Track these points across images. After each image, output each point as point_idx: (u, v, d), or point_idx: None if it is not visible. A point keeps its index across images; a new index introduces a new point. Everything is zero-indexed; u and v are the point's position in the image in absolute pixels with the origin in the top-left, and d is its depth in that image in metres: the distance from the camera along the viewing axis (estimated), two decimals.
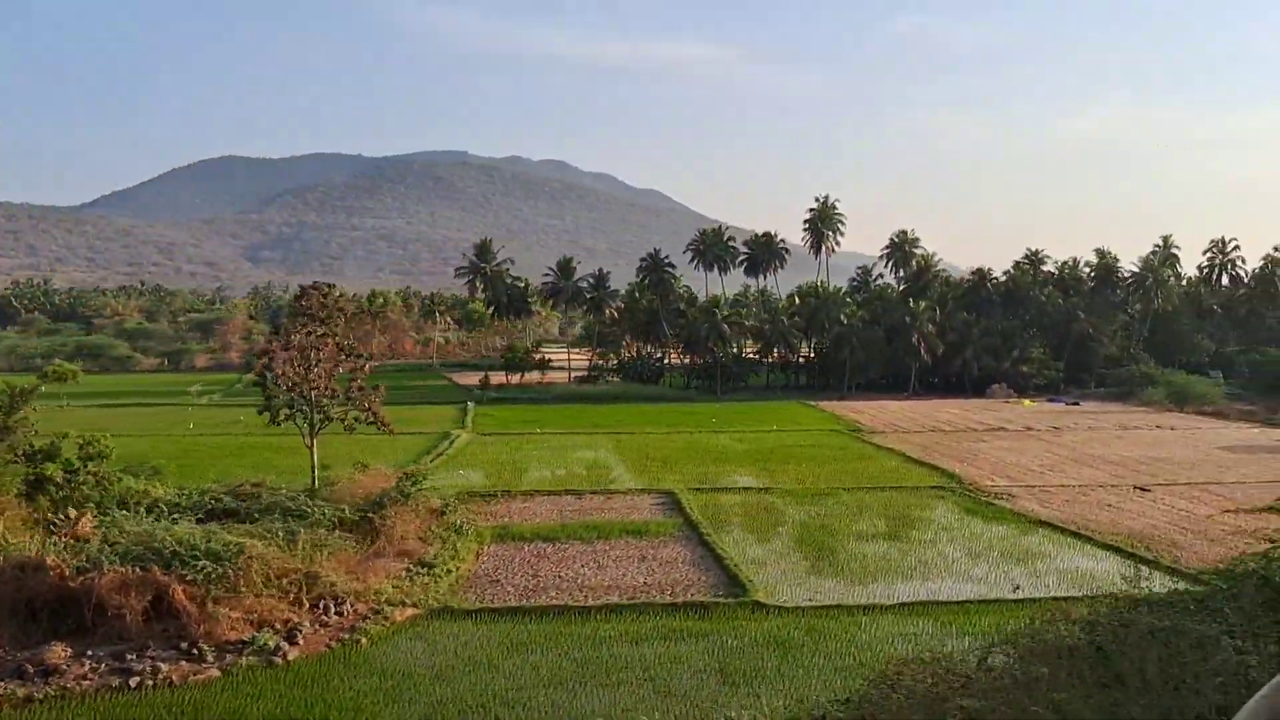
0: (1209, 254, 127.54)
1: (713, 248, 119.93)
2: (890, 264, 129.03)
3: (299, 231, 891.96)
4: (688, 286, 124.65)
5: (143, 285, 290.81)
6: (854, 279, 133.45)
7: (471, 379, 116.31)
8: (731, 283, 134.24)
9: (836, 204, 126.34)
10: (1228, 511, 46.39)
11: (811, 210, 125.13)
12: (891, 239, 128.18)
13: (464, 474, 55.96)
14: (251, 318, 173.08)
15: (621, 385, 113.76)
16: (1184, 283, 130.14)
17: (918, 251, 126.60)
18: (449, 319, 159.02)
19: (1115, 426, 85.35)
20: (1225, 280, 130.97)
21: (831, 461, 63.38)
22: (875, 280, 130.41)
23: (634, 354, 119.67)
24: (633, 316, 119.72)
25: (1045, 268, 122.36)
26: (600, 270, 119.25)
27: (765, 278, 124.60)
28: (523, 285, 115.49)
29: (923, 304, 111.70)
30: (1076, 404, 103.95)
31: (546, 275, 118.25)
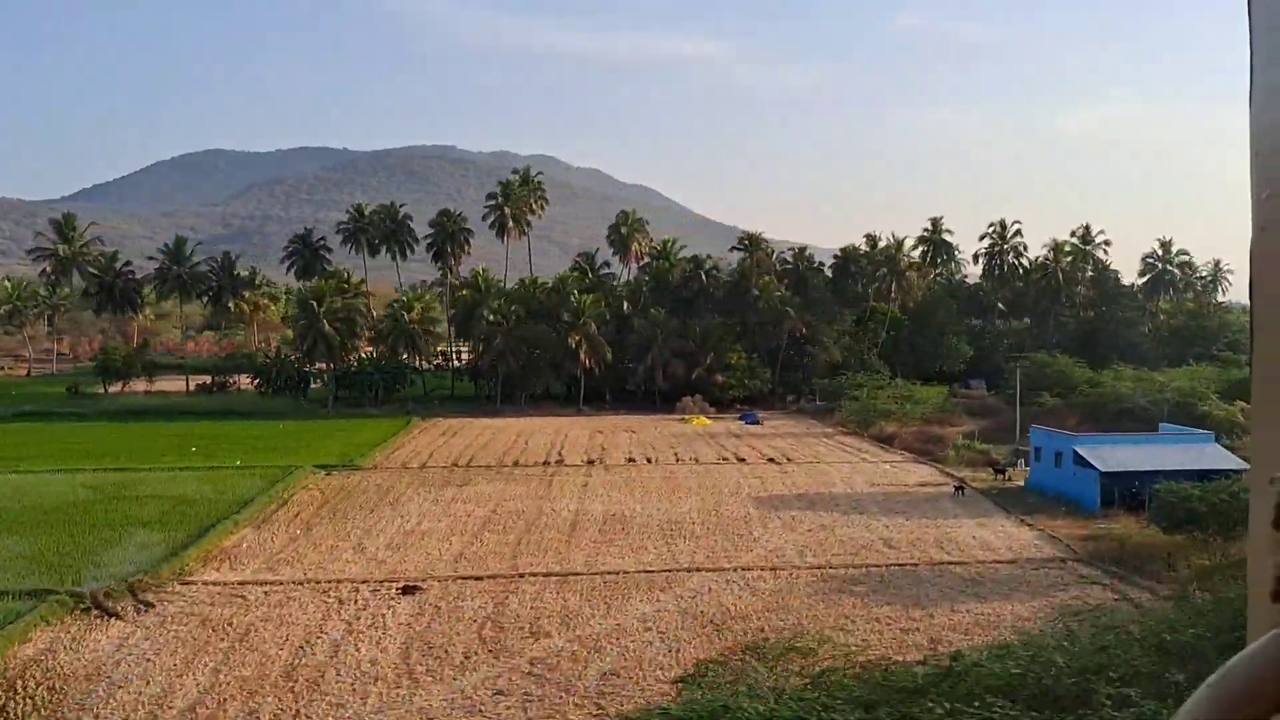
0: (986, 240, 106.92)
1: (370, 228, 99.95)
2: (615, 253, 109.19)
3: (261, 224, 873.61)
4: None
5: (7, 279, 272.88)
6: (574, 268, 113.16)
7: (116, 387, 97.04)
8: None
9: (539, 177, 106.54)
10: None
11: (503, 184, 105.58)
12: (612, 224, 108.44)
13: None
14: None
15: (242, 396, 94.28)
16: (968, 274, 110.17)
17: (641, 237, 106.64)
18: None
19: (717, 459, 65.33)
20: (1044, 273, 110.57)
21: None
22: (601, 269, 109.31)
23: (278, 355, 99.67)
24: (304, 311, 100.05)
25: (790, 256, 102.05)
26: (225, 254, 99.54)
27: (454, 266, 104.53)
28: (130, 270, 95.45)
29: (589, 298, 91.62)
30: (758, 423, 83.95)
31: (152, 258, 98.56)
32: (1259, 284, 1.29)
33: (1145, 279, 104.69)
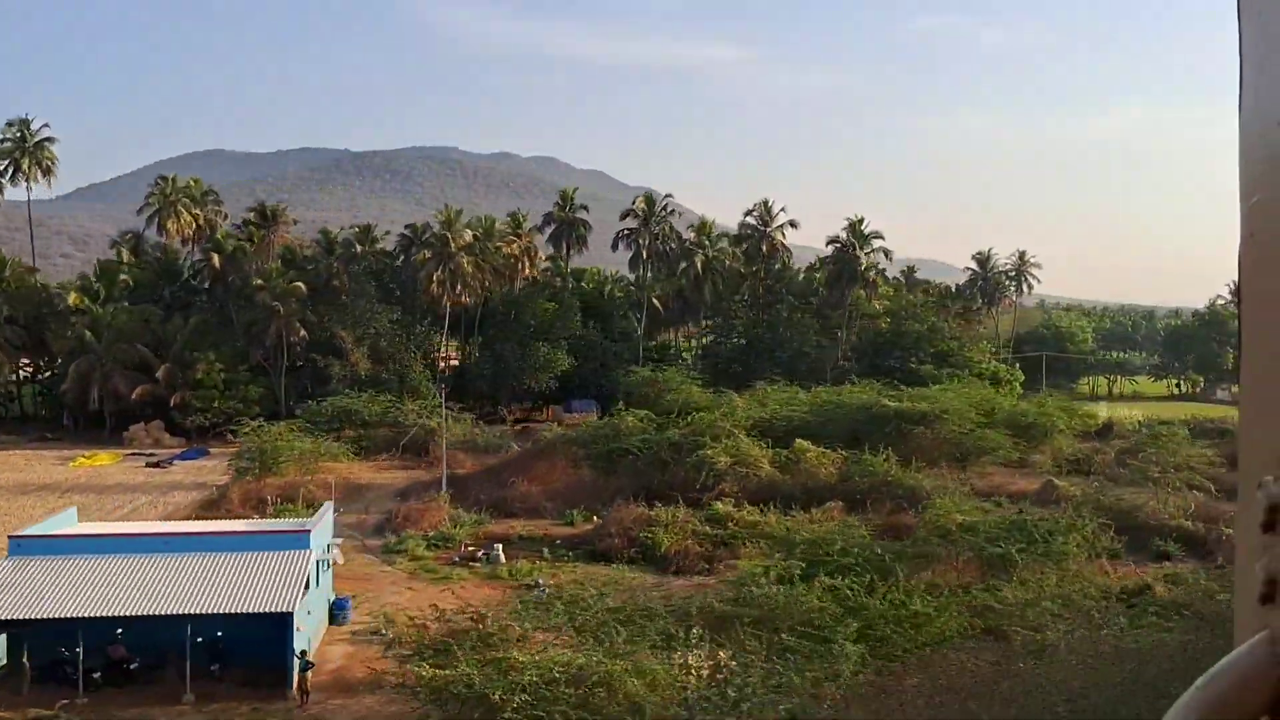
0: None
1: None
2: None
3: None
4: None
5: None
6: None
7: None
8: None
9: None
10: None
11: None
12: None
13: None
14: None
15: None
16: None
17: (191, 211, 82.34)
18: None
19: None
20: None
21: None
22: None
23: None
24: None
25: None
26: None
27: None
28: None
29: None
30: (162, 464, 59.34)
31: None
32: (1247, 289, 1.24)
33: (827, 270, 78.31)
